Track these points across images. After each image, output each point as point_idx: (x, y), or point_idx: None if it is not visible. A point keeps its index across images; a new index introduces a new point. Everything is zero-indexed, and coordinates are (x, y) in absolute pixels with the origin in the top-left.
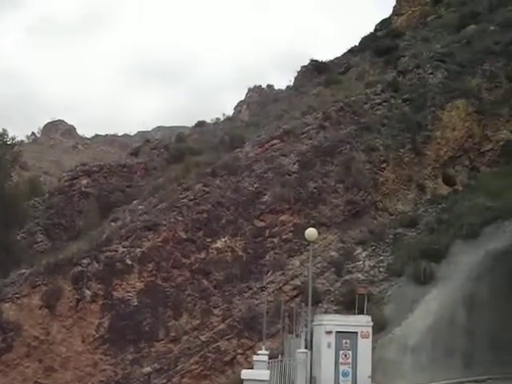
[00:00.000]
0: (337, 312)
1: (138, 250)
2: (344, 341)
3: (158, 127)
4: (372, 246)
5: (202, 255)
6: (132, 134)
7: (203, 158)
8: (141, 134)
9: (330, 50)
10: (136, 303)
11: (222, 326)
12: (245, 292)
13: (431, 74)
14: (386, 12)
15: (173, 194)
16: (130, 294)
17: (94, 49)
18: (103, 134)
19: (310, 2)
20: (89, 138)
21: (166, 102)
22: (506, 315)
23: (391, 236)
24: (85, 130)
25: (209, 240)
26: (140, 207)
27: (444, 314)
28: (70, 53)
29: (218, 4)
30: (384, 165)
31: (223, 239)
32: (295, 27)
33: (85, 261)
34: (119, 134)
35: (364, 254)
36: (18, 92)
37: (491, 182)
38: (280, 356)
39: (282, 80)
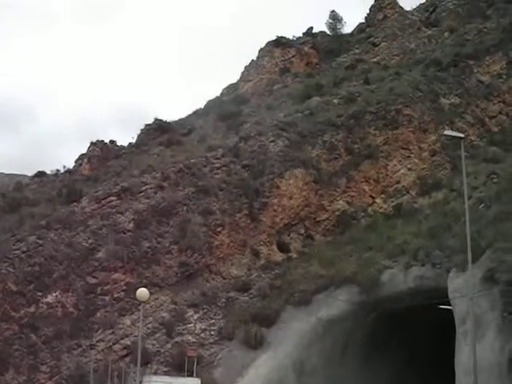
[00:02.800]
0: (166, 373)
1: None
2: None
3: None
4: (204, 308)
5: (32, 309)
6: None
7: (39, 209)
8: None
9: (175, 111)
10: None
11: None
12: (74, 349)
13: (272, 141)
14: (234, 77)
15: (5, 245)
16: None
17: None
18: None
19: (159, 61)
20: None
21: (7, 148)
22: (336, 381)
23: (224, 300)
24: None
25: (40, 294)
26: None
27: (274, 379)
28: None
29: (61, 54)
30: (220, 228)
31: (54, 294)
32: (143, 84)
33: None
34: None
35: (196, 317)
36: None
37: (325, 250)
38: None
39: (126, 136)
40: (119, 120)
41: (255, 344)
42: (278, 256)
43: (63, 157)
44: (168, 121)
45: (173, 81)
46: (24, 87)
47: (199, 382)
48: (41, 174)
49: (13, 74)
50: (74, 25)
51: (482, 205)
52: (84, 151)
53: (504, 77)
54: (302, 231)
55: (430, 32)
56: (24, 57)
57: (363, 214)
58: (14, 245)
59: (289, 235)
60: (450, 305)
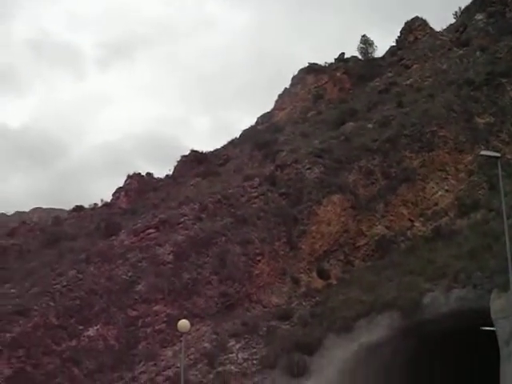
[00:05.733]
0: None
1: (8, 334)
2: None
3: (35, 208)
4: (245, 338)
5: (74, 343)
6: (9, 213)
7: (78, 243)
8: (18, 214)
9: (211, 142)
10: None
11: None
12: (116, 382)
13: (309, 169)
14: (269, 106)
15: (46, 279)
16: None
17: None
18: None
19: (189, 91)
20: None
21: (42, 183)
22: None
23: (265, 328)
24: None
25: (81, 327)
26: (12, 291)
27: None
28: None
29: (93, 88)
30: (259, 257)
31: (95, 327)
32: (177, 116)
33: None
34: None
35: (237, 346)
36: None
37: (365, 276)
38: None
39: (163, 169)
40: (153, 153)
41: (298, 372)
42: (318, 283)
43: (98, 190)
44: (204, 152)
45: (207, 111)
46: (54, 122)
47: None
48: (79, 209)
49: (42, 109)
50: (103, 62)
51: None
52: (121, 184)
53: None
54: (342, 257)
55: (461, 52)
56: (53, 91)
57: (402, 237)
58: (54, 279)
59: (328, 262)
60: (492, 326)
